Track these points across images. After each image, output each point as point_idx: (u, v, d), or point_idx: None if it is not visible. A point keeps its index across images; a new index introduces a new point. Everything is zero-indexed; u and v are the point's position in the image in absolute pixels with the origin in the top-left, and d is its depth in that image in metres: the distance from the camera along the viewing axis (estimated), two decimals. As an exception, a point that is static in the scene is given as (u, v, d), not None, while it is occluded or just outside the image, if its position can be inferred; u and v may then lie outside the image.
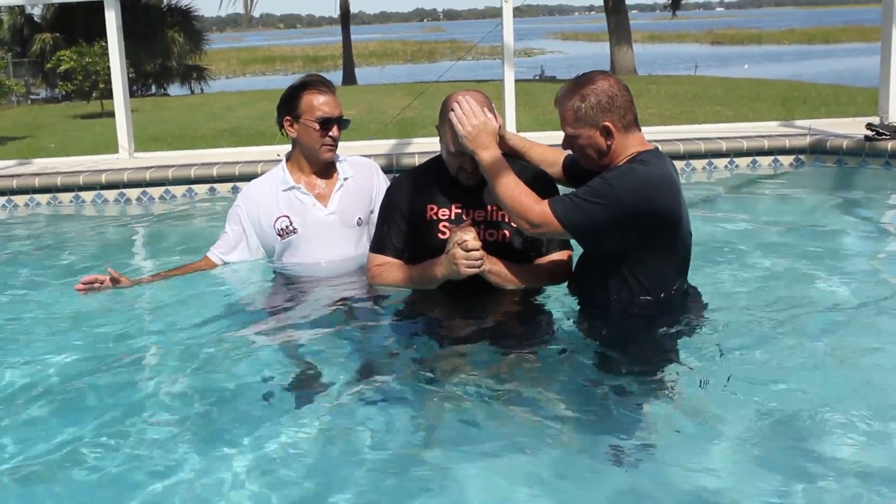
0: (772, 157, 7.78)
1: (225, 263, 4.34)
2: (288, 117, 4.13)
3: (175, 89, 36.53)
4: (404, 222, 3.72)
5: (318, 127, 4.06)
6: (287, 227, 4.15)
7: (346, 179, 4.21)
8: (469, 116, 3.45)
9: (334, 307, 3.91)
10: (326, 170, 4.22)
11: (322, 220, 4.15)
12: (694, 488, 2.60)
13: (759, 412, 2.96)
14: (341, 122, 4.12)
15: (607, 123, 3.31)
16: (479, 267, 3.43)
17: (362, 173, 4.27)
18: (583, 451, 2.81)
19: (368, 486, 2.67)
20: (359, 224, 4.16)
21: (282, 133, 4.19)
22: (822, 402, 3.01)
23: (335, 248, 4.16)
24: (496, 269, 3.53)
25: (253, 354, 3.60)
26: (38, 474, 2.79)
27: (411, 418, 3.03)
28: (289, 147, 4.28)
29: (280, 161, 4.30)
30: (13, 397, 3.34)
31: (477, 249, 3.41)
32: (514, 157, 3.62)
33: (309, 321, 3.84)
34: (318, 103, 4.07)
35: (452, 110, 3.48)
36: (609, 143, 3.34)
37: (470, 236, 3.41)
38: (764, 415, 2.94)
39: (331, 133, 4.08)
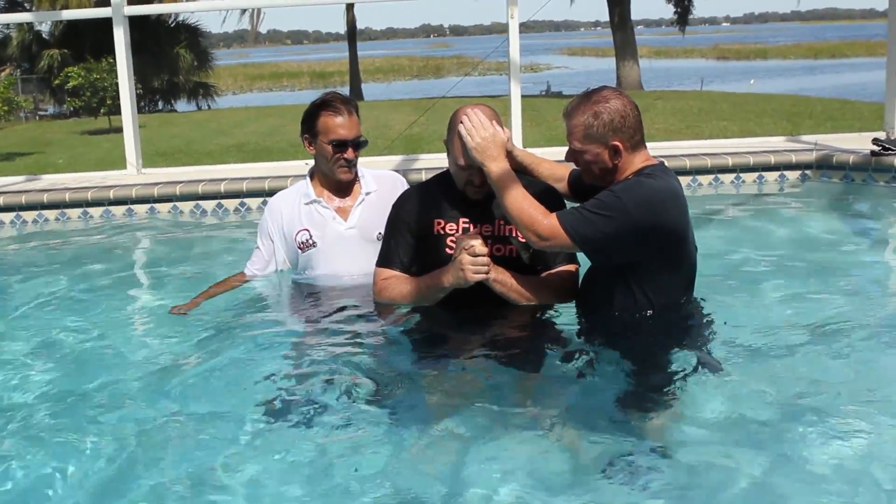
0: (778, 173, 7.77)
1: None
2: (307, 135, 4.16)
3: (182, 105, 36.71)
4: (412, 237, 3.73)
5: (331, 149, 4.08)
6: (307, 240, 4.18)
7: (367, 194, 4.22)
8: (478, 129, 3.46)
9: (347, 321, 3.92)
10: (348, 184, 4.24)
11: (341, 234, 4.17)
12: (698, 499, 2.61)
13: (763, 424, 2.97)
14: (357, 145, 4.13)
15: (616, 143, 3.32)
16: (485, 273, 3.44)
17: (386, 187, 4.24)
18: (585, 462, 2.81)
19: (368, 498, 2.69)
20: (379, 239, 4.09)
21: (305, 149, 4.22)
22: (826, 413, 3.03)
23: (355, 263, 4.14)
24: (502, 278, 3.53)
25: (258, 366, 3.63)
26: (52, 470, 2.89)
27: (415, 432, 3.03)
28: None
29: (306, 172, 4.33)
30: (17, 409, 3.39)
31: (484, 255, 3.42)
32: (521, 173, 3.63)
33: (320, 335, 3.86)
34: (333, 125, 4.08)
35: (461, 123, 3.50)
36: (616, 161, 3.35)
37: (477, 242, 3.41)
38: (768, 427, 2.96)
39: (345, 155, 4.09)
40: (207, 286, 4.42)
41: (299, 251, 4.21)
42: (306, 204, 4.21)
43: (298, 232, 4.19)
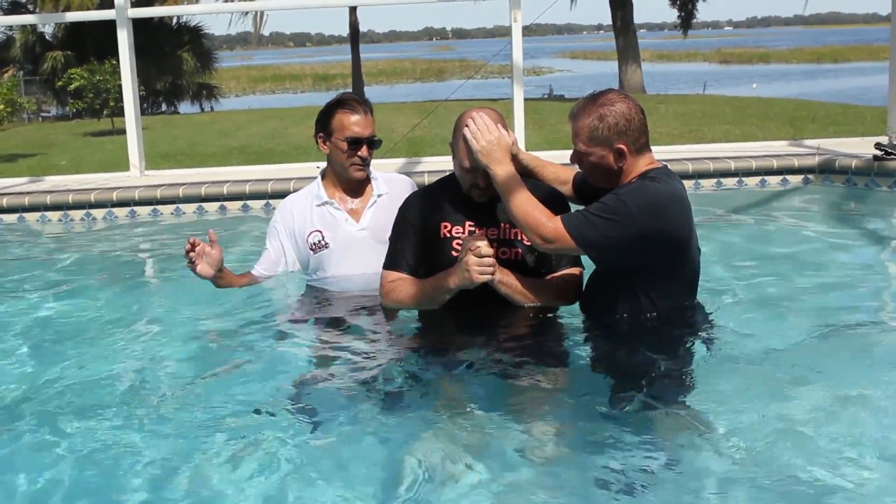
0: (781, 177, 7.79)
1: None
2: (321, 134, 4.16)
3: (185, 107, 36.74)
4: (417, 240, 3.74)
5: (346, 147, 4.08)
6: (319, 241, 4.18)
7: (379, 196, 4.23)
8: (483, 132, 3.47)
9: (357, 323, 3.93)
10: (360, 186, 4.24)
11: (353, 236, 4.17)
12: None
13: (766, 430, 2.97)
14: (372, 143, 4.14)
15: (621, 146, 3.32)
16: (491, 274, 3.44)
17: (397, 190, 4.23)
18: (587, 467, 2.81)
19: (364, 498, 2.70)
20: None
21: (318, 149, 4.23)
22: (820, 416, 3.04)
23: (366, 264, 4.13)
24: (507, 279, 3.53)
25: (263, 366, 3.65)
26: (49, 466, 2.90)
27: (419, 433, 3.04)
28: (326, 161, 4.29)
29: (317, 174, 4.33)
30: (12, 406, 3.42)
31: (490, 256, 3.42)
32: (526, 176, 3.63)
33: (329, 335, 3.88)
34: (349, 122, 4.08)
35: (467, 126, 3.50)
36: (620, 164, 3.35)
37: (483, 243, 3.41)
38: (770, 432, 2.95)
39: (359, 153, 4.10)
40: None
41: (311, 252, 4.21)
42: (318, 205, 4.21)
43: (310, 233, 4.20)
